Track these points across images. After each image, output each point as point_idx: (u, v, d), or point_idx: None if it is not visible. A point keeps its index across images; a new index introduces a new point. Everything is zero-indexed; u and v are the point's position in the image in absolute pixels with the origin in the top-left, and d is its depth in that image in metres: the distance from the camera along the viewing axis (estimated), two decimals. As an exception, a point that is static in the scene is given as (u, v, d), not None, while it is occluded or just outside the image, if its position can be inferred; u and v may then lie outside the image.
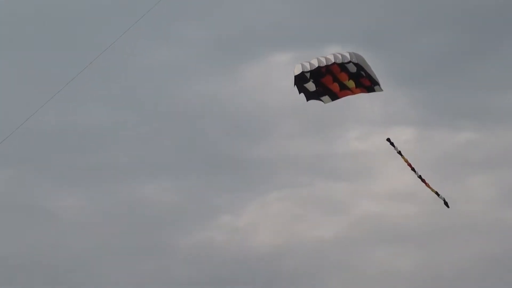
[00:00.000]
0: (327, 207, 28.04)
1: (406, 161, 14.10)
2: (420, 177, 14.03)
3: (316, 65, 13.01)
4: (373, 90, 13.85)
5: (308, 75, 13.20)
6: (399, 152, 14.03)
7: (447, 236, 25.59)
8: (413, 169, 14.07)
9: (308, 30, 31.46)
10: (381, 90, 13.92)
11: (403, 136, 14.35)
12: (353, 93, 13.85)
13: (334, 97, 13.73)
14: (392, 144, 14.10)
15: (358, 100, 14.49)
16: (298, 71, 12.91)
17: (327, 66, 13.17)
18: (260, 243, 27.80)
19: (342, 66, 13.33)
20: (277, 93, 29.13)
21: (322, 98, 13.67)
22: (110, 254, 26.35)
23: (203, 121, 30.85)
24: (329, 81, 13.54)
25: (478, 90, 29.03)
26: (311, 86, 13.45)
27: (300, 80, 13.00)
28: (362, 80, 13.68)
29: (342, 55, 13.17)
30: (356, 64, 13.44)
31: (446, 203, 14.18)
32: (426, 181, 14.19)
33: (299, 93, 13.35)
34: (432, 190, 14.16)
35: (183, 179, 29.41)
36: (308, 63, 13.08)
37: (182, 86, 31.83)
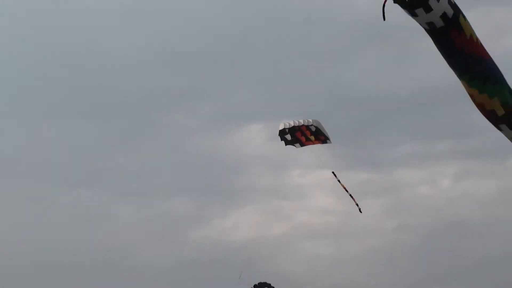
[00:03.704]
0: (279, 217, 41.43)
1: (343, 185, 17.95)
2: (350, 195, 18.04)
3: (292, 125, 16.91)
4: (326, 142, 17.52)
5: (287, 130, 17.02)
6: (339, 180, 17.92)
7: (349, 235, 38.13)
8: (346, 190, 18.01)
9: (271, 109, 45.56)
10: (330, 142, 17.65)
11: (325, 175, 20.58)
12: (313, 143, 17.46)
13: (302, 144, 17.41)
14: (335, 175, 17.88)
15: (302, 152, 18.63)
16: (281, 127, 17.04)
17: (298, 126, 16.96)
18: (238, 237, 40.53)
19: (307, 127, 17.09)
20: (253, 148, 45.10)
21: (295, 145, 17.37)
22: (150, 243, 39.19)
23: (209, 164, 45.30)
24: (299, 135, 17.18)
25: (373, 148, 43.23)
26: (288, 137, 17.18)
27: (282, 133, 17.02)
28: (319, 135, 17.25)
29: (307, 120, 17.10)
30: (315, 126, 17.08)
31: (360, 210, 18.47)
32: (353, 196, 18.21)
33: (281, 140, 17.29)
34: (355, 201, 18.23)
35: (195, 198, 43.77)
36: (288, 123, 17.00)
37: (197, 143, 46.74)
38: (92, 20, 46.02)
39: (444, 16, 7.84)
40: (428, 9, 7.68)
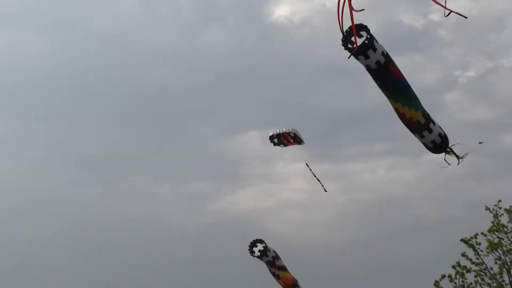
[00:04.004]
0: (269, 194, 45.40)
1: (313, 173, 17.78)
2: (318, 179, 17.73)
3: (278, 132, 16.82)
4: (301, 144, 17.16)
5: (274, 135, 16.93)
6: (310, 169, 17.72)
7: (315, 207, 40.87)
8: (314, 175, 17.75)
9: (264, 121, 50.45)
10: (304, 144, 17.28)
11: (300, 166, 20.43)
12: (292, 144, 17.17)
13: (285, 145, 17.18)
14: (308, 166, 17.81)
15: (285, 151, 17.98)
16: (271, 133, 16.95)
17: (282, 133, 16.83)
18: (242, 208, 44.92)
19: (288, 133, 16.80)
20: (251, 148, 47.92)
21: (280, 145, 17.08)
22: (181, 212, 43.96)
23: (222, 158, 49.16)
24: (283, 139, 16.94)
25: (332, 148, 46.93)
26: (275, 140, 17.06)
27: (271, 138, 16.90)
28: (297, 139, 16.99)
29: (288, 128, 16.97)
30: (294, 133, 16.83)
31: (325, 190, 17.88)
32: (320, 180, 17.63)
33: (270, 142, 17.01)
34: (321, 183, 17.80)
35: (212, 181, 48.52)
36: (275, 131, 16.98)
37: (214, 144, 50.85)
38: (153, 65, 51.39)
39: (383, 53, 7.58)
40: (375, 49, 7.44)
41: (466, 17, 6.96)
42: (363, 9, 7.14)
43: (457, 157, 8.81)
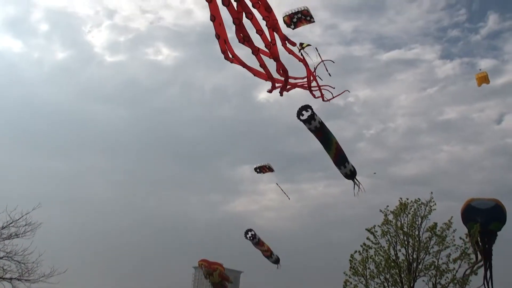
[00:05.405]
0: (255, 202, 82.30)
1: (281, 188, 24.45)
2: (284, 192, 24.54)
3: (260, 165, 23.91)
4: (273, 171, 23.86)
5: (257, 168, 23.63)
6: (279, 186, 24.39)
7: (283, 209, 57.39)
8: (282, 190, 24.58)
9: (251, 160, 67.17)
10: (274, 171, 23.99)
11: (273, 185, 25.64)
12: (268, 172, 23.85)
13: (264, 173, 23.81)
14: (278, 184, 24.70)
15: (264, 176, 24.20)
16: (255, 166, 23.49)
17: (263, 165, 24.18)
18: (238, 209, 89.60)
19: (266, 166, 23.94)
20: (244, 174, 74.85)
21: (261, 173, 23.96)
22: (201, 212, 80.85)
23: (228, 181, 78.15)
24: (263, 169, 23.98)
25: (292, 174, 59.66)
26: (258, 170, 23.58)
27: (255, 169, 23.71)
28: (271, 169, 23.79)
29: (266, 163, 24.20)
30: (269, 165, 23.78)
31: (289, 198, 24.60)
32: (286, 193, 24.37)
33: (255, 171, 23.53)
34: (286, 195, 24.70)
35: (223, 194, 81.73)
36: (258, 165, 23.63)
37: (223, 173, 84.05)
38: (193, 129, 76.41)
39: (319, 122, 11.46)
40: (315, 119, 11.31)
41: (329, 96, 10.54)
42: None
43: (358, 184, 12.65)
